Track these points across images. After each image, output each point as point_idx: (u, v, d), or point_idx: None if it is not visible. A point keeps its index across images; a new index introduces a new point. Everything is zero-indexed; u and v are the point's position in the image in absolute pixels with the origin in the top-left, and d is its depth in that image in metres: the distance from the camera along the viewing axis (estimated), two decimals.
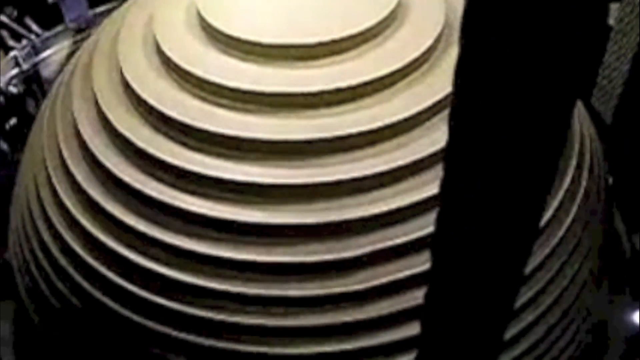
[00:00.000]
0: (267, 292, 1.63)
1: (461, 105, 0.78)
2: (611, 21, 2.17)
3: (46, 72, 2.84)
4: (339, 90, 1.71)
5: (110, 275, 1.73)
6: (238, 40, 1.77)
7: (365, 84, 1.72)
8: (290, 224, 1.63)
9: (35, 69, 2.81)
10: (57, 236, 1.84)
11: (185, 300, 1.66)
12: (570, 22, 0.68)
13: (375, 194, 1.66)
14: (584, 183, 1.87)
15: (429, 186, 1.64)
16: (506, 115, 0.75)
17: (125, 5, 2.18)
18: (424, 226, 1.61)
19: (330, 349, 1.63)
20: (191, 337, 1.67)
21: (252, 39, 1.76)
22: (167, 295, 1.67)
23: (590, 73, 2.22)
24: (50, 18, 2.84)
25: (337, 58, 1.76)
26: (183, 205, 1.66)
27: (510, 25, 0.68)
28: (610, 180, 2.16)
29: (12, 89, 2.75)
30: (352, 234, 1.63)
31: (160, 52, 1.86)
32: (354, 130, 1.68)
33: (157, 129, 1.74)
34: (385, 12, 1.82)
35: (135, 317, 1.71)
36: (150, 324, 1.70)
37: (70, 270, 1.81)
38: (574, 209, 1.81)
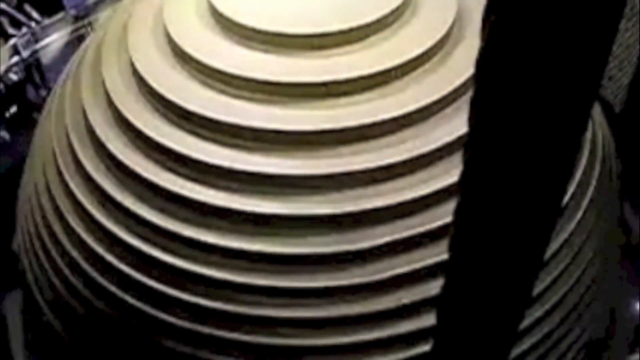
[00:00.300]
0: (281, 284, 1.62)
1: (482, 93, 0.78)
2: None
3: (46, 59, 2.81)
4: (353, 80, 1.70)
5: (123, 267, 1.72)
6: (252, 29, 1.75)
7: (380, 73, 1.71)
8: (306, 214, 1.62)
9: (35, 57, 2.78)
10: (68, 228, 1.82)
11: (202, 293, 1.65)
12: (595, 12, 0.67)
13: (391, 184, 1.65)
14: (597, 171, 1.87)
15: (444, 176, 1.64)
16: (528, 103, 0.75)
17: None
18: (441, 216, 1.61)
19: (347, 340, 1.62)
20: (205, 329, 1.66)
21: (266, 28, 1.74)
22: (182, 287, 1.66)
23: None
24: (50, 5, 2.81)
25: (353, 47, 1.74)
26: (198, 197, 1.65)
27: (534, 14, 0.67)
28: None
29: (13, 77, 2.73)
30: (369, 225, 1.62)
31: (171, 42, 1.84)
32: (369, 120, 1.67)
33: (171, 121, 1.72)
34: (399, 1, 1.80)
35: (149, 309, 1.70)
36: (163, 315, 1.69)
37: (81, 261, 1.79)
38: (588, 195, 1.81)
